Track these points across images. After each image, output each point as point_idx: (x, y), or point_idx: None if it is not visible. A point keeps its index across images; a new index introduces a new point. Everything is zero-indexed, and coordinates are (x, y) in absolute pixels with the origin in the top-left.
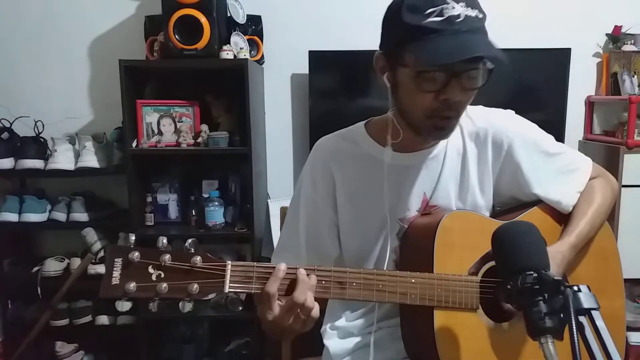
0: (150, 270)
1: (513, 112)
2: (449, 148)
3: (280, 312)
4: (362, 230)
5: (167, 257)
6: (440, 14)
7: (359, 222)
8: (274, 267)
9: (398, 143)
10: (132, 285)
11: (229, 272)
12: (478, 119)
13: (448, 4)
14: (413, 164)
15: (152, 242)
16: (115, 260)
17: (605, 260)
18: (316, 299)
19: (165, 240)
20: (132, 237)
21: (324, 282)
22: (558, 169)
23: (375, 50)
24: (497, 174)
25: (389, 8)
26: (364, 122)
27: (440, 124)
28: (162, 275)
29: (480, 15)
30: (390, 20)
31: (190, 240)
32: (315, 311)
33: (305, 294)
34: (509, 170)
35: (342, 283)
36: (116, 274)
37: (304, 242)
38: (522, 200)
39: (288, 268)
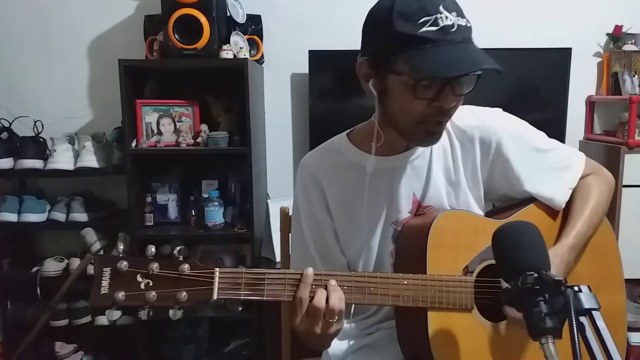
0: (139, 279)
1: (501, 109)
2: (434, 146)
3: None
4: (358, 238)
5: (155, 265)
6: (435, 24)
7: (353, 230)
8: (301, 273)
9: (380, 147)
10: (121, 295)
11: (217, 279)
12: (465, 117)
13: (441, 13)
14: (398, 166)
15: (152, 242)
16: (104, 269)
17: (605, 257)
18: None
19: (153, 249)
20: (121, 246)
21: (313, 286)
22: (550, 166)
23: None
24: (487, 171)
25: (373, 14)
26: (346, 132)
27: (432, 129)
28: (151, 284)
29: (469, 25)
30: (377, 28)
31: (178, 248)
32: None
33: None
34: (499, 167)
35: None
36: (105, 283)
37: (316, 254)
38: (515, 198)
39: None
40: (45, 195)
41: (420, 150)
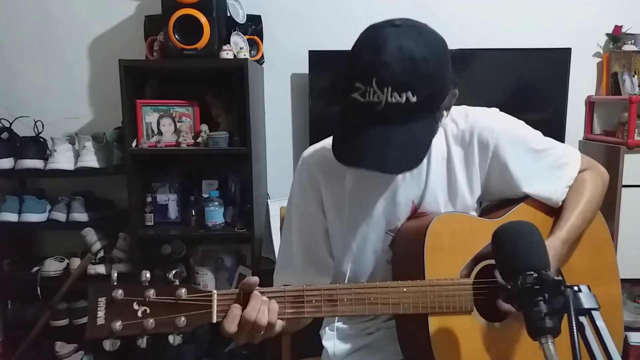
0: (136, 306)
1: (497, 109)
2: (432, 153)
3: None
4: (353, 243)
5: (152, 292)
6: (363, 95)
7: (348, 235)
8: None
9: None
10: (118, 324)
11: (215, 302)
12: (461, 120)
13: (372, 86)
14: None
15: (152, 242)
16: (99, 299)
17: (598, 248)
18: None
19: (148, 275)
20: (115, 274)
21: (314, 301)
22: (546, 165)
23: None
24: (485, 174)
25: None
26: None
27: None
28: (148, 311)
29: (413, 99)
30: None
31: (173, 272)
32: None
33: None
34: (497, 170)
35: (332, 300)
36: (101, 313)
37: (301, 257)
38: (511, 199)
39: (266, 293)
40: (46, 195)
41: None
